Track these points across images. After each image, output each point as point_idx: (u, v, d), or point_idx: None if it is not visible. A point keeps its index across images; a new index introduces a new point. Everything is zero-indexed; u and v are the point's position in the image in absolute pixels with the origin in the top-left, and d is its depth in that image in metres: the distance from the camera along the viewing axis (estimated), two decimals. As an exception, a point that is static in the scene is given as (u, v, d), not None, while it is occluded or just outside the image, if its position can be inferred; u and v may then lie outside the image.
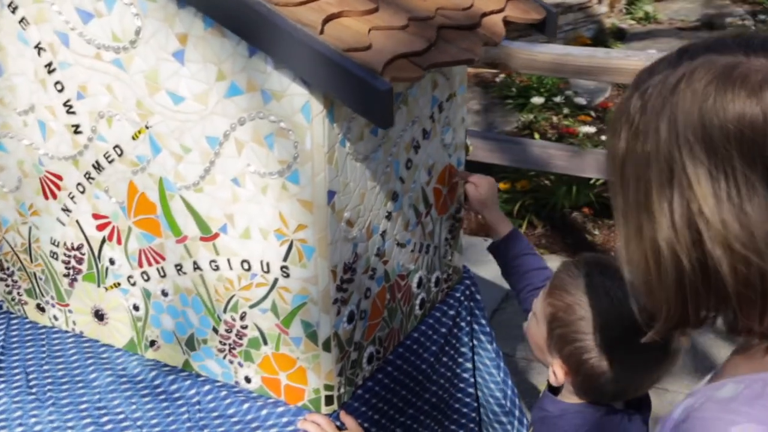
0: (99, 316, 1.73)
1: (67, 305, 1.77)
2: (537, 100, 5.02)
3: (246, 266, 1.49)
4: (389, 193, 1.57)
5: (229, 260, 1.50)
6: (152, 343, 1.68)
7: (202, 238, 1.51)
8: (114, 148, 1.54)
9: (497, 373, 1.99)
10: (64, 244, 1.70)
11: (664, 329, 0.87)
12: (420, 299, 1.79)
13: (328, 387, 1.52)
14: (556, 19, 1.78)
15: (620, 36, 6.34)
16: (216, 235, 1.50)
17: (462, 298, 1.93)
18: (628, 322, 1.31)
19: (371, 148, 1.48)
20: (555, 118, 5.05)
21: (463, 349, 1.93)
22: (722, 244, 0.76)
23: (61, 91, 1.54)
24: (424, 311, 1.82)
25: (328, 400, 1.53)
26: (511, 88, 5.18)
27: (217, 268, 1.52)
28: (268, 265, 1.46)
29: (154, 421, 1.53)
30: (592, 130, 4.72)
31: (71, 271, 1.72)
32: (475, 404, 1.96)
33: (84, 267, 1.70)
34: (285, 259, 1.44)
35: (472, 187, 1.80)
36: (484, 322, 1.97)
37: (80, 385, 1.63)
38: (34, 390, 1.61)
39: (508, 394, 2.01)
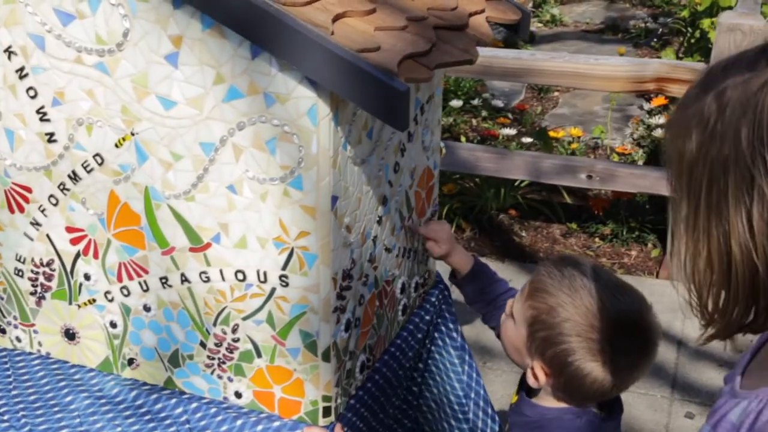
0: (69, 335, 1.64)
1: (33, 325, 1.66)
2: (455, 103, 5.09)
3: (240, 277, 1.44)
4: (380, 197, 1.56)
5: (221, 271, 1.45)
6: (131, 361, 1.60)
7: (191, 249, 1.46)
8: (94, 156, 1.46)
9: (462, 370, 1.96)
10: (32, 260, 1.60)
11: (723, 333, 0.88)
12: (402, 305, 1.78)
13: (326, 398, 1.49)
14: (529, 20, 1.81)
15: (530, 38, 6.52)
16: (207, 246, 1.44)
17: (436, 302, 1.93)
18: (614, 323, 1.35)
19: (367, 152, 1.46)
20: (474, 121, 5.13)
21: (433, 351, 1.93)
22: None
23: (33, 97, 1.46)
24: (406, 317, 1.81)
25: (326, 412, 1.50)
26: (431, 93, 5.23)
27: (207, 280, 1.47)
28: (265, 274, 1.42)
29: (144, 444, 1.46)
30: (512, 132, 4.82)
31: (39, 289, 1.62)
32: (416, 402, 1.93)
33: (54, 284, 1.60)
34: (284, 268, 1.40)
35: (433, 245, 1.76)
36: (452, 326, 1.97)
37: (56, 409, 1.54)
38: (6, 417, 1.51)
39: (478, 392, 1.99)
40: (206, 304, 1.49)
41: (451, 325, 1.97)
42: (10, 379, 1.61)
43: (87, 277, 1.57)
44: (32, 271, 1.61)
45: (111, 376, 1.62)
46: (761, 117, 0.77)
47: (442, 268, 1.91)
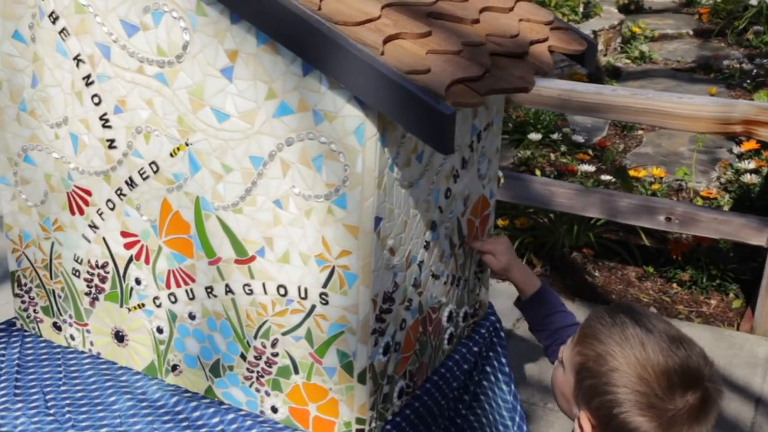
0: (119, 337, 1.68)
1: (86, 325, 1.71)
2: (534, 136, 5.04)
3: (282, 291, 1.45)
4: (428, 222, 1.55)
5: (264, 284, 1.46)
6: (174, 367, 1.63)
7: (236, 261, 1.47)
8: (150, 164, 1.50)
9: (509, 416, 1.94)
10: (88, 261, 1.65)
11: None
12: (449, 333, 1.75)
13: (360, 420, 1.47)
14: (596, 52, 1.77)
15: (616, 74, 6.40)
16: (252, 258, 1.46)
17: (486, 334, 1.90)
18: (666, 377, 1.28)
19: (416, 176, 1.46)
20: (552, 156, 5.06)
21: (484, 386, 1.90)
22: None
23: (98, 104, 1.51)
24: (452, 346, 1.79)
25: (360, 434, 1.48)
26: (508, 124, 5.19)
27: (250, 293, 1.48)
28: (306, 291, 1.42)
29: (177, 449, 1.48)
30: (591, 168, 4.73)
31: (93, 290, 1.67)
32: None
33: (107, 286, 1.65)
34: (325, 286, 1.40)
35: (491, 258, 1.75)
36: (504, 360, 1.94)
37: (99, 407, 1.57)
38: (52, 411, 1.55)
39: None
40: (248, 317, 1.50)
41: (503, 360, 1.94)
42: (61, 376, 1.66)
43: (138, 281, 1.60)
44: (88, 272, 1.66)
45: (155, 380, 1.65)
46: None
47: (497, 301, 1.88)
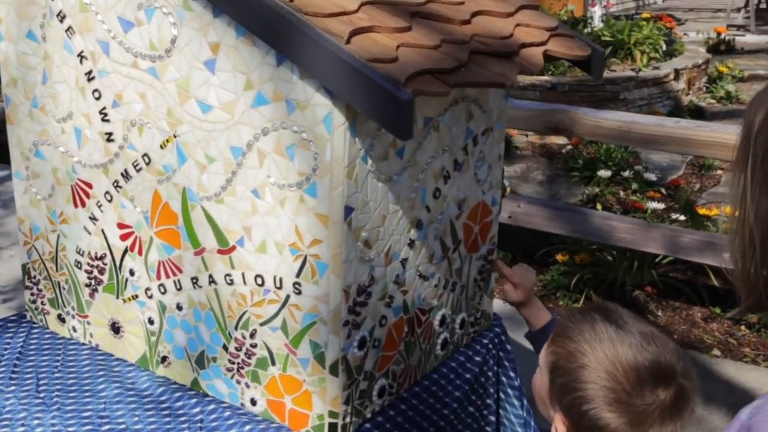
0: (115, 328, 1.78)
1: (87, 316, 1.82)
2: (604, 173, 4.99)
3: (259, 281, 1.51)
4: (413, 220, 1.59)
5: (243, 275, 1.53)
6: (164, 359, 1.71)
7: (219, 251, 1.55)
8: (143, 156, 1.60)
9: (523, 422, 1.95)
10: (89, 253, 1.76)
11: (755, 306, 0.88)
12: (442, 339, 1.78)
13: (332, 414, 1.51)
14: (603, 60, 1.80)
15: (698, 114, 6.29)
16: (233, 248, 1.53)
17: (490, 345, 1.91)
18: (636, 373, 1.28)
19: (396, 170, 1.51)
20: (622, 193, 5.01)
21: (489, 401, 1.91)
22: None
23: (98, 98, 1.63)
24: (447, 353, 1.81)
25: (332, 428, 1.52)
26: (578, 160, 5.17)
27: (231, 283, 1.55)
28: (281, 280, 1.49)
29: (154, 434, 1.55)
30: (660, 206, 4.66)
31: (93, 282, 1.78)
32: None
33: (105, 277, 1.75)
34: (298, 275, 1.46)
35: (511, 289, 1.78)
36: (513, 374, 1.95)
37: (87, 394, 1.67)
38: (42, 395, 1.65)
39: None
40: (229, 307, 1.57)
41: (512, 374, 1.95)
42: (58, 364, 1.76)
43: (132, 272, 1.70)
44: (88, 264, 1.77)
45: (146, 372, 1.73)
46: None
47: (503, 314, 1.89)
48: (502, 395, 1.96)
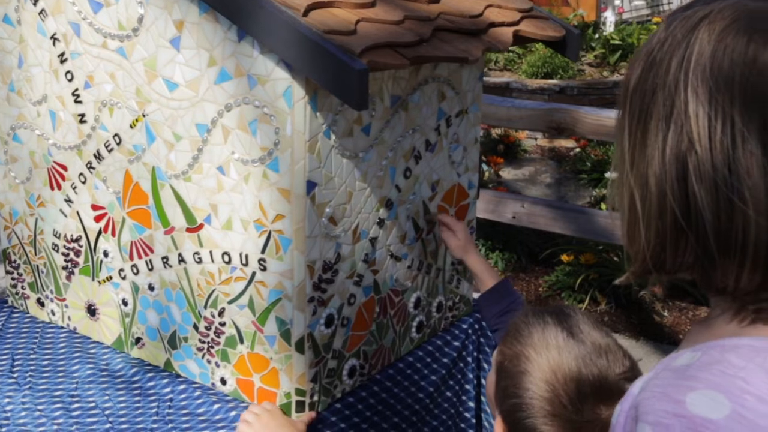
0: (91, 311, 1.80)
1: (64, 300, 1.84)
2: (612, 175, 4.97)
3: (226, 259, 1.53)
4: (383, 199, 1.60)
5: (211, 252, 1.55)
6: (138, 340, 1.73)
7: (188, 230, 1.57)
8: (114, 136, 1.63)
9: None
10: (65, 236, 1.78)
11: (639, 271, 0.85)
12: (418, 321, 1.78)
13: (299, 392, 1.52)
14: (578, 41, 1.80)
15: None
16: (200, 226, 1.55)
17: (470, 331, 1.91)
18: (577, 386, 1.23)
19: (362, 147, 1.52)
20: (631, 195, 4.98)
21: (468, 387, 1.90)
22: (708, 185, 0.76)
23: (71, 80, 1.66)
24: (423, 336, 1.81)
25: (299, 406, 1.53)
26: (586, 162, 5.16)
27: (200, 261, 1.57)
28: (246, 257, 1.50)
29: (122, 413, 1.57)
30: (668, 207, 4.62)
31: (69, 264, 1.80)
32: None
33: (81, 260, 1.78)
34: (263, 252, 1.48)
35: (449, 234, 1.76)
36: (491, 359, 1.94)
37: (61, 374, 1.69)
38: (15, 375, 1.68)
39: None
40: (199, 286, 1.59)
41: (491, 359, 1.94)
42: (34, 347, 1.79)
43: (106, 254, 1.72)
44: (65, 246, 1.79)
45: (121, 354, 1.75)
46: (692, 48, 0.79)
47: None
48: (482, 381, 1.96)
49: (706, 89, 0.76)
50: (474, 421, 1.92)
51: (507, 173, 5.57)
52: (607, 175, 5.00)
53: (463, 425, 1.91)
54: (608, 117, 3.85)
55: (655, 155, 0.79)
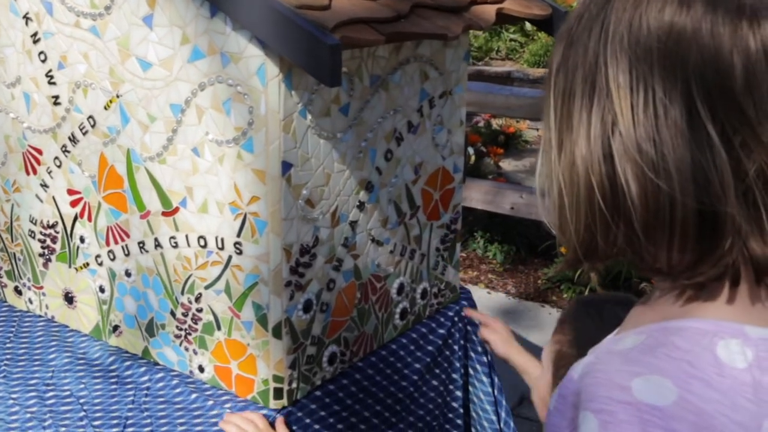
0: (69, 299, 1.78)
1: (41, 288, 1.83)
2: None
3: (202, 243, 1.51)
4: (363, 181, 1.58)
5: (187, 237, 1.53)
6: (115, 328, 1.71)
7: (163, 213, 1.55)
8: (88, 118, 1.61)
9: (493, 410, 1.93)
10: (41, 222, 1.77)
11: (573, 259, 0.82)
12: (401, 308, 1.77)
13: (277, 378, 1.50)
14: (563, 18, 1.78)
15: None
16: (176, 210, 1.53)
17: (456, 318, 1.89)
18: None
19: (340, 128, 1.50)
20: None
21: (455, 376, 1.89)
22: (633, 164, 0.74)
23: (44, 61, 1.64)
24: (407, 323, 1.80)
25: (277, 394, 1.51)
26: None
27: (176, 245, 1.55)
28: (222, 241, 1.48)
29: (97, 401, 1.55)
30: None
31: (46, 251, 1.79)
32: None
33: (58, 246, 1.76)
34: (239, 235, 1.46)
35: (488, 331, 1.75)
36: (481, 350, 1.92)
37: (37, 363, 1.67)
38: (-11, 363, 1.67)
39: (504, 421, 1.94)
40: (175, 271, 1.57)
41: (479, 348, 1.93)
42: (11, 335, 1.77)
43: (82, 240, 1.71)
44: (41, 233, 1.78)
45: (99, 342, 1.74)
46: (609, 19, 0.77)
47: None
48: (470, 371, 1.94)
49: (626, 60, 0.74)
50: (462, 411, 1.90)
51: (507, 164, 5.55)
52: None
53: (450, 415, 1.89)
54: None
55: (581, 136, 0.76)
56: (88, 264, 1.72)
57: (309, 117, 1.43)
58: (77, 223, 1.71)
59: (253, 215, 1.43)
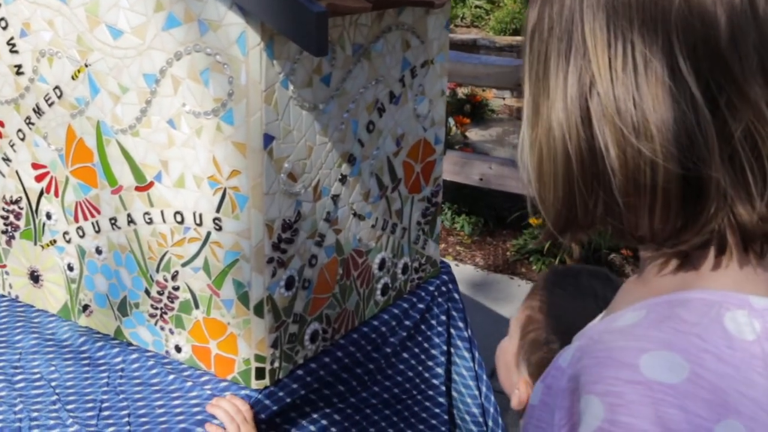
0: (34, 277, 1.74)
1: (5, 266, 1.78)
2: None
3: (179, 218, 1.48)
4: (344, 154, 1.56)
5: (162, 212, 1.50)
6: (85, 307, 1.68)
7: (137, 188, 1.52)
8: (54, 89, 1.56)
9: (475, 385, 1.93)
10: (4, 197, 1.72)
11: (552, 231, 0.79)
12: (383, 284, 1.75)
13: (259, 358, 1.49)
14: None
15: None
16: (151, 185, 1.50)
17: (436, 293, 1.89)
18: None
19: (322, 98, 1.48)
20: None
21: (435, 352, 1.88)
22: (611, 126, 0.70)
23: (5, 28, 1.58)
24: (389, 299, 1.79)
25: (259, 373, 1.50)
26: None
27: (150, 222, 1.52)
28: (200, 217, 1.45)
29: (70, 384, 1.52)
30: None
31: (9, 228, 1.74)
32: (446, 416, 1.89)
33: (22, 223, 1.72)
34: (218, 210, 1.43)
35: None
36: (462, 325, 1.93)
37: (2, 345, 1.64)
38: (-48, 347, 1.62)
39: (489, 412, 1.95)
40: (150, 248, 1.54)
41: (461, 324, 1.93)
42: (-26, 316, 1.73)
43: (49, 216, 1.67)
44: (4, 209, 1.73)
45: (68, 322, 1.70)
46: None
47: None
48: (452, 348, 1.94)
49: (603, 14, 0.71)
50: (443, 388, 1.90)
51: (474, 134, 5.55)
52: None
53: (431, 392, 1.89)
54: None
55: (557, 99, 0.73)
56: (55, 241, 1.68)
57: (291, 87, 1.40)
58: (43, 199, 1.66)
59: (234, 190, 1.41)
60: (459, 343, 1.93)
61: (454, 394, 1.97)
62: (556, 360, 0.81)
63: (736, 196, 0.70)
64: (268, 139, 1.38)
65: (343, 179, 1.57)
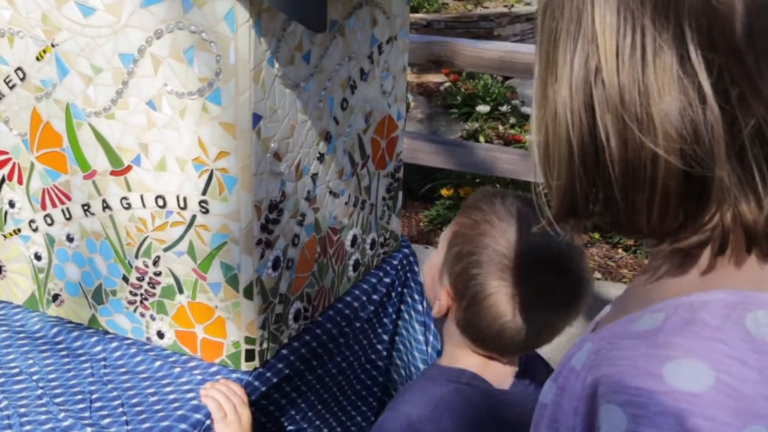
0: (-4, 269, 1.60)
1: (-39, 258, 1.62)
2: (482, 108, 5.00)
3: (161, 203, 1.38)
4: (322, 132, 1.49)
5: (142, 197, 1.39)
6: (55, 297, 1.55)
7: (112, 173, 1.40)
8: (16, 71, 1.42)
9: (422, 359, 1.88)
10: (-41, 186, 1.56)
11: (557, 215, 0.73)
12: (354, 260, 1.69)
13: (249, 340, 1.41)
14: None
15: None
16: (128, 168, 1.38)
17: (399, 266, 1.84)
18: (531, 255, 1.22)
19: (302, 76, 1.39)
20: (501, 127, 5.04)
21: (385, 320, 1.82)
22: (614, 115, 0.66)
23: (-42, 7, 1.43)
24: (358, 274, 1.73)
25: (249, 355, 1.41)
26: (456, 97, 5.16)
27: (128, 207, 1.41)
28: (185, 200, 1.35)
29: (52, 376, 1.40)
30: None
31: (-34, 218, 1.58)
32: (381, 379, 1.83)
33: (-20, 212, 1.57)
34: (204, 193, 1.34)
35: None
36: (418, 297, 1.88)
37: (-30, 340, 1.49)
38: None
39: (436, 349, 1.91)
40: (128, 234, 1.43)
41: (417, 296, 1.88)
42: (-69, 312, 1.57)
43: (12, 204, 1.52)
44: (-40, 198, 1.57)
45: (36, 313, 1.57)
46: None
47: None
48: (406, 316, 1.89)
49: None
50: (385, 353, 1.84)
51: (378, 110, 5.49)
52: (478, 108, 5.02)
53: (374, 356, 1.82)
54: (486, 49, 3.84)
55: (563, 82, 0.68)
56: (19, 230, 1.54)
57: (276, 65, 1.31)
58: (5, 186, 1.52)
59: (221, 171, 1.31)
60: (413, 313, 1.87)
61: (398, 361, 1.92)
62: (568, 360, 0.76)
63: (741, 195, 0.66)
64: (256, 118, 1.29)
65: (320, 157, 1.50)
